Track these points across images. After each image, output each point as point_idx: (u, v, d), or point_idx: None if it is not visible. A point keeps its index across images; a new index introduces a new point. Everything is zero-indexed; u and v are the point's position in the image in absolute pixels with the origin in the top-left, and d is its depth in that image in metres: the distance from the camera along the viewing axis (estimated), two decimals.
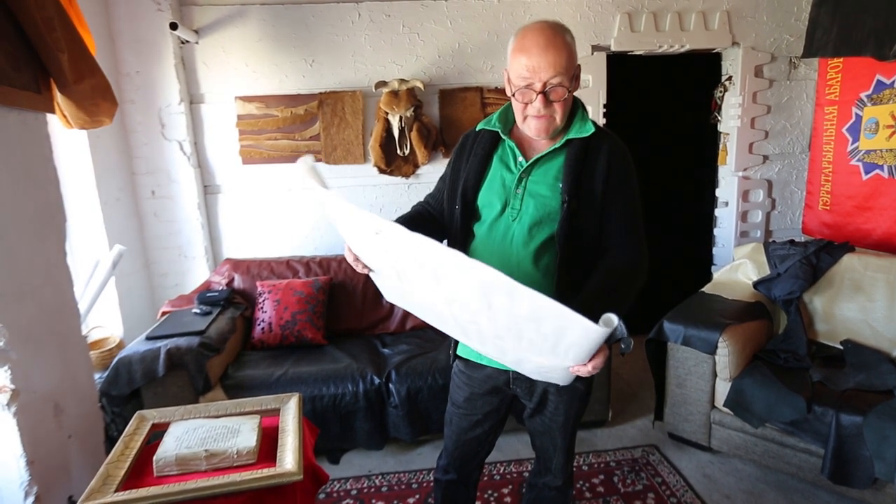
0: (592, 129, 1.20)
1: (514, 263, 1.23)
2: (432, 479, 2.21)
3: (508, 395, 1.40)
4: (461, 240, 1.32)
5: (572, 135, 1.21)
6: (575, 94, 1.23)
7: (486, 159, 1.30)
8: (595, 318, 1.01)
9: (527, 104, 1.17)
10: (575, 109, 1.25)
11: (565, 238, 1.17)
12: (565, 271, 1.19)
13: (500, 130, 1.28)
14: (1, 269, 1.43)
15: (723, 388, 2.20)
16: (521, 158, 1.25)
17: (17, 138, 1.54)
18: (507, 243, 1.23)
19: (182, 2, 2.74)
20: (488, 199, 1.27)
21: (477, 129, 1.34)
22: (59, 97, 1.65)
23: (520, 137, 1.28)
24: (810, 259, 2.45)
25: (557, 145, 1.21)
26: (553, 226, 1.20)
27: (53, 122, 1.77)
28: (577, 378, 1.29)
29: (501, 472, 2.26)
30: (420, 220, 1.40)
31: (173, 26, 2.54)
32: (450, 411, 1.48)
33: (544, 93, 1.14)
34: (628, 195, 1.20)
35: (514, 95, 1.19)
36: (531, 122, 1.20)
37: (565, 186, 1.17)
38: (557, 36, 1.13)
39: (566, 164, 1.19)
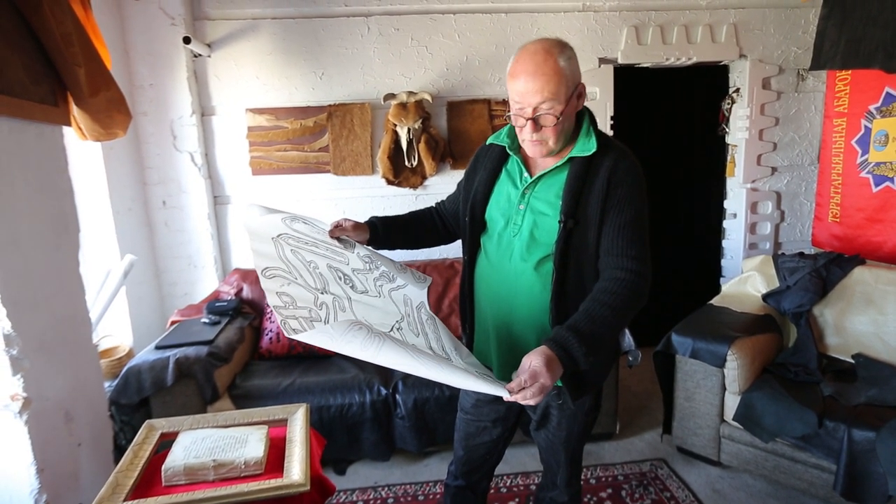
0: (594, 148, 1.17)
1: (514, 278, 1.24)
2: (440, 489, 2.20)
3: (515, 404, 1.40)
4: (469, 251, 1.35)
5: (575, 153, 1.19)
6: (585, 104, 1.23)
7: (494, 174, 1.32)
8: (574, 352, 1.01)
9: (521, 128, 1.18)
10: (580, 125, 1.23)
11: (561, 257, 1.17)
12: (560, 290, 1.18)
13: (507, 146, 1.29)
14: (16, 278, 1.45)
15: (732, 402, 2.18)
16: (525, 174, 1.26)
17: (35, 150, 1.57)
18: (507, 258, 1.25)
19: (195, 16, 2.80)
20: (494, 213, 1.29)
21: (488, 143, 1.36)
22: (75, 110, 1.69)
23: (526, 153, 1.29)
24: (820, 272, 2.43)
25: (560, 163, 1.21)
26: (551, 244, 1.19)
27: (69, 134, 1.81)
28: (581, 397, 1.29)
29: (508, 484, 2.24)
30: (405, 224, 1.46)
31: (186, 40, 2.59)
32: (459, 417, 1.50)
33: (534, 119, 1.14)
34: (627, 213, 1.15)
35: (507, 117, 1.21)
36: (526, 145, 1.21)
37: (563, 206, 1.17)
38: (548, 60, 1.10)
39: (566, 184, 1.18)
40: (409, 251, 1.55)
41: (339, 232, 1.33)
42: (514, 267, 1.23)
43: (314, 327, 1.03)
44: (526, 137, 1.18)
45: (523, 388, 0.95)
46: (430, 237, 1.51)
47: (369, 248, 1.39)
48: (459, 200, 1.43)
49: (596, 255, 1.18)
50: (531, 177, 1.25)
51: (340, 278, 1.20)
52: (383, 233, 1.38)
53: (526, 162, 1.28)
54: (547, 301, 1.20)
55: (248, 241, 1.21)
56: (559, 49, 1.12)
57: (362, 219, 1.40)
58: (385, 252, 1.43)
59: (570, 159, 1.20)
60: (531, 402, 0.96)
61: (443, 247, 1.52)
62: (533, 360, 0.98)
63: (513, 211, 1.25)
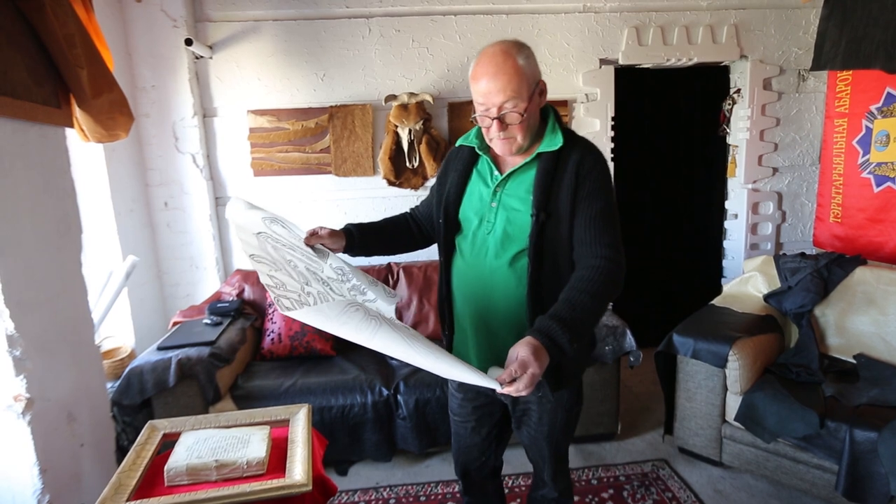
0: (561, 143, 1.20)
1: (489, 275, 1.25)
2: (441, 490, 2.21)
3: (498, 401, 1.41)
4: (444, 252, 1.36)
5: (542, 148, 1.22)
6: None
7: (465, 174, 1.34)
8: (559, 339, 1.01)
9: (488, 128, 1.20)
10: (546, 121, 1.26)
11: (535, 251, 1.19)
12: (536, 283, 1.20)
13: (476, 146, 1.30)
14: (19, 279, 1.46)
15: (733, 402, 2.18)
16: (496, 172, 1.28)
17: (37, 152, 1.58)
18: (482, 256, 1.26)
19: (197, 18, 2.81)
20: (467, 213, 1.31)
21: (457, 144, 1.38)
22: (77, 112, 1.70)
23: (495, 152, 1.30)
24: (821, 272, 2.43)
25: (528, 160, 1.23)
26: (525, 239, 1.21)
27: (71, 135, 1.81)
28: (561, 388, 1.30)
29: (510, 485, 2.24)
30: (381, 230, 1.45)
31: (188, 42, 2.60)
32: (451, 423, 1.52)
33: (500, 118, 1.16)
34: (597, 204, 1.18)
35: (474, 119, 1.23)
36: (495, 144, 1.23)
37: (534, 200, 1.19)
38: (508, 60, 1.13)
39: (536, 179, 1.20)
40: (411, 253, 1.55)
41: (315, 240, 1.32)
42: (490, 264, 1.25)
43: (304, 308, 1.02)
44: (494, 136, 1.20)
45: (514, 379, 0.95)
46: (406, 242, 1.52)
47: (342, 259, 1.37)
48: (433, 204, 1.44)
49: (570, 247, 1.20)
50: (501, 174, 1.26)
51: (319, 280, 1.20)
52: (360, 240, 1.38)
53: (496, 161, 1.30)
54: (523, 296, 1.21)
55: (233, 231, 1.22)
56: (517, 49, 1.15)
57: (363, 220, 1.40)
58: (362, 259, 1.42)
59: (539, 155, 1.22)
60: (523, 393, 0.96)
61: None
62: (520, 351, 0.98)
63: (486, 209, 1.27)
